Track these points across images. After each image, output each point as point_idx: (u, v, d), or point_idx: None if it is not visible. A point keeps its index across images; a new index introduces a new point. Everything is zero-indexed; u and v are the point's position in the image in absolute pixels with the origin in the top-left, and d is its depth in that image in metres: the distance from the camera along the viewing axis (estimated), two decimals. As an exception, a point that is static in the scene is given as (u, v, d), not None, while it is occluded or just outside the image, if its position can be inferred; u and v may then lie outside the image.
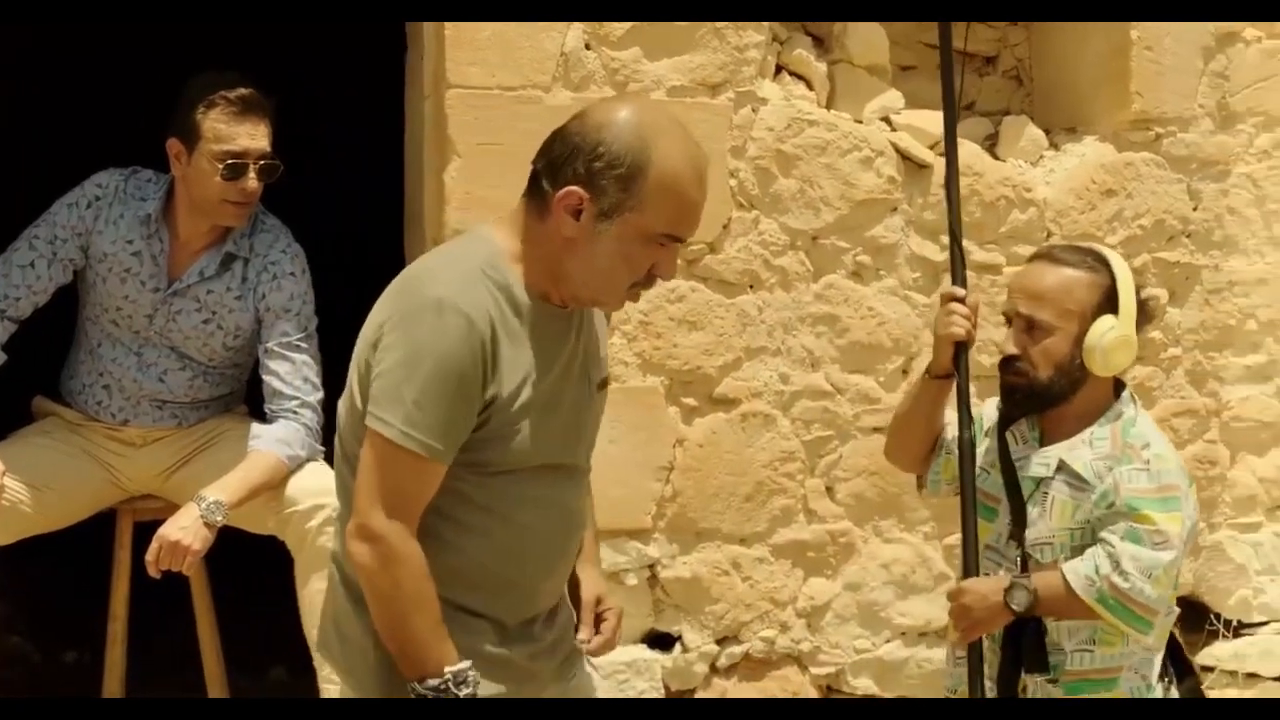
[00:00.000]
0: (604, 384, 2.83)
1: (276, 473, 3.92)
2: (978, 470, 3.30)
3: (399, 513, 2.53)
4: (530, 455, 2.62)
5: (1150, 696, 3.21)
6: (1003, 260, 4.64)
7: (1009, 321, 3.27)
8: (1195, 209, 4.84)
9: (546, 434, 2.64)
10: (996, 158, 4.70)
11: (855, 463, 4.57)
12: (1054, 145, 4.80)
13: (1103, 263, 3.23)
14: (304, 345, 4.03)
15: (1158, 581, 3.07)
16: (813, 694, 4.60)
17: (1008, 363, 3.23)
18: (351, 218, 6.95)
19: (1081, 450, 3.19)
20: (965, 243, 4.53)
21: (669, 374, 4.38)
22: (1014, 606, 3.11)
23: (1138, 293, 3.24)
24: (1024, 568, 3.19)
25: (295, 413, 3.99)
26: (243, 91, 3.89)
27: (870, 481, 4.58)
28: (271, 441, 3.94)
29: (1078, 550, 3.14)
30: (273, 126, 3.94)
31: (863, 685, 4.61)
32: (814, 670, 4.58)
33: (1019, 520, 3.21)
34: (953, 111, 3.48)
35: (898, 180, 4.54)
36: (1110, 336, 3.15)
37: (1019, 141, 4.74)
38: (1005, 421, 3.30)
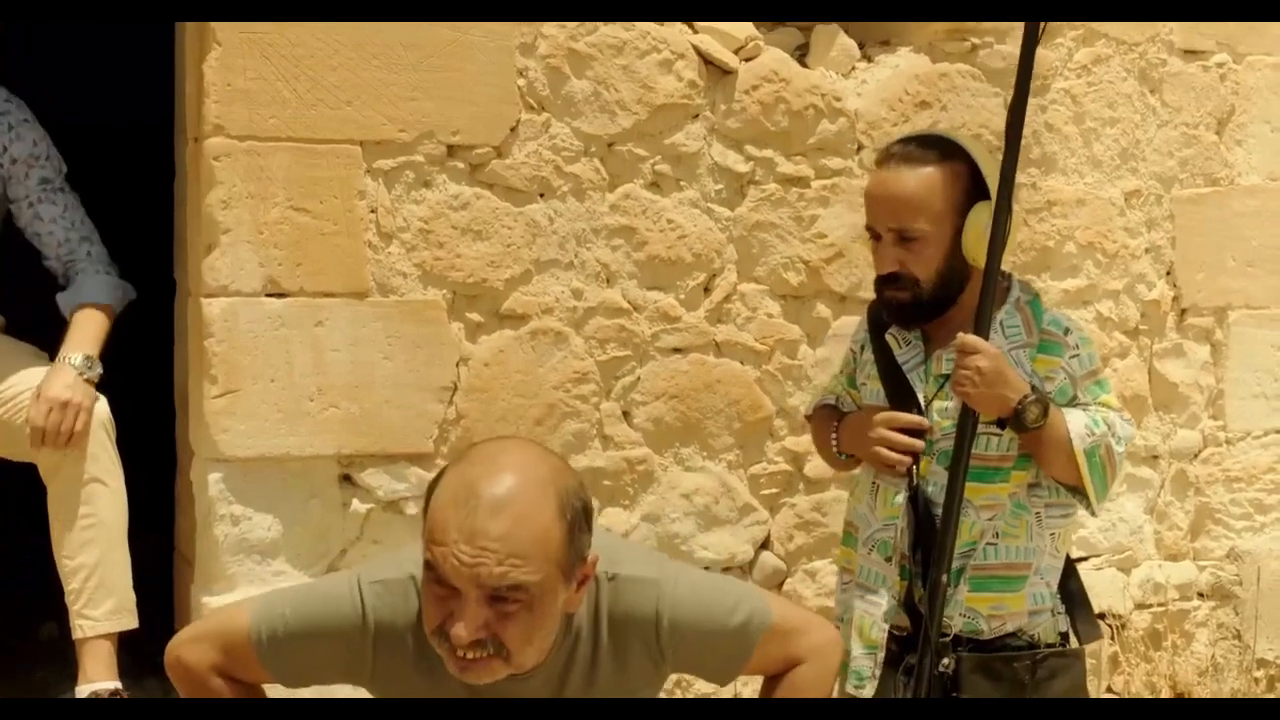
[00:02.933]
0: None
1: (107, 321, 3.87)
2: (862, 384, 3.12)
3: (218, 640, 2.55)
4: None
5: (1050, 608, 3.03)
6: (811, 173, 4.41)
7: (875, 237, 3.03)
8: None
9: None
10: (806, 67, 4.46)
11: (654, 385, 4.30)
12: (867, 58, 4.56)
13: (956, 148, 3.03)
14: (66, 188, 3.90)
15: (1124, 458, 3.05)
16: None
17: (886, 281, 3.01)
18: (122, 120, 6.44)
19: (995, 340, 2.97)
20: (768, 153, 4.37)
21: (451, 287, 4.07)
22: (1025, 416, 2.88)
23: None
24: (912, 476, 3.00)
25: (89, 255, 3.87)
26: None
27: (670, 406, 4.31)
28: (89, 294, 3.86)
29: (983, 440, 2.96)
30: None
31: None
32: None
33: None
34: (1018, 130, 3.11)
35: (699, 85, 4.28)
36: (989, 227, 2.94)
37: (829, 52, 4.49)
38: (880, 328, 3.09)
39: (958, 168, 2.99)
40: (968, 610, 2.98)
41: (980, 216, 2.94)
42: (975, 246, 2.95)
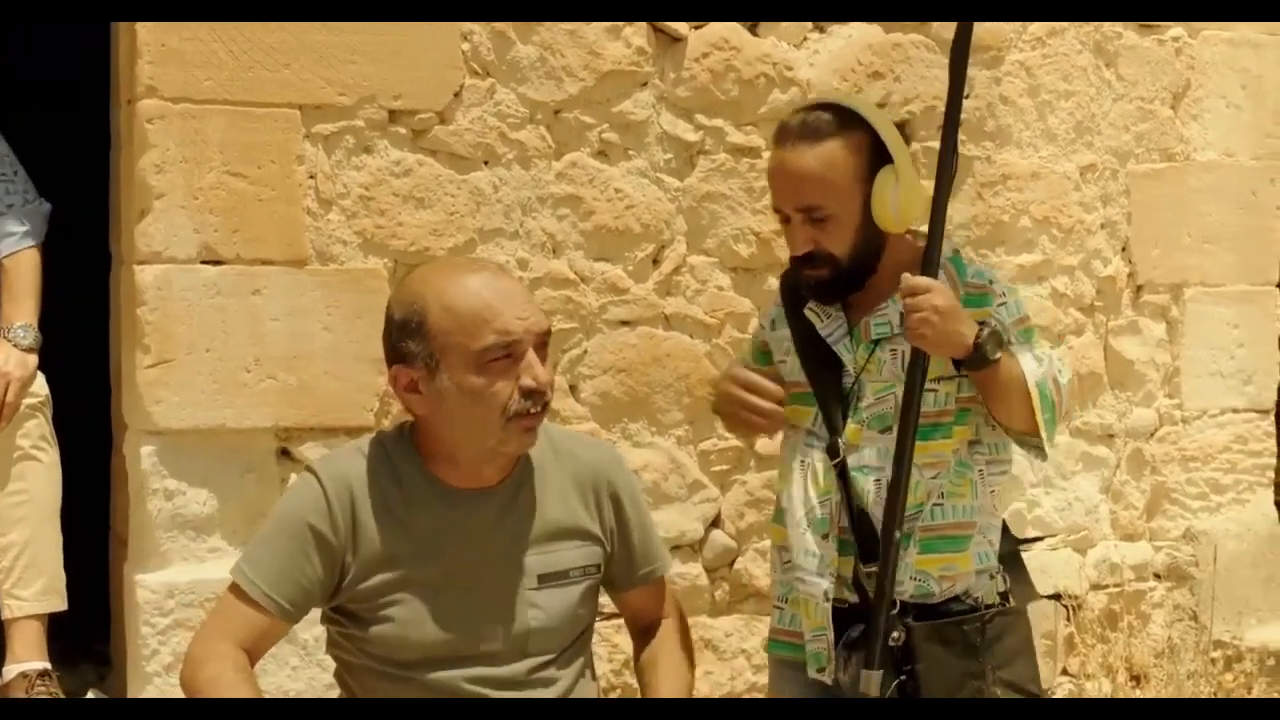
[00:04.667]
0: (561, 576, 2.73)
1: (37, 263, 3.85)
2: (779, 361, 3.01)
3: (214, 633, 2.61)
4: (411, 641, 2.61)
5: (991, 567, 2.95)
6: (761, 143, 4.31)
7: (784, 219, 2.91)
8: (967, 96, 4.51)
9: (429, 620, 2.61)
10: (757, 36, 4.37)
11: (601, 359, 4.21)
12: (820, 28, 4.48)
13: (851, 116, 2.90)
14: None
15: (1068, 394, 2.95)
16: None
17: (803, 261, 2.90)
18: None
19: None
20: (718, 122, 4.30)
21: (393, 255, 3.97)
22: (986, 349, 2.76)
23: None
24: (833, 447, 2.89)
25: (10, 180, 3.82)
26: None
27: (618, 380, 4.22)
28: (20, 239, 3.82)
29: (931, 396, 2.86)
30: None
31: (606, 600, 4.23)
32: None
33: (837, 396, 2.91)
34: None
35: (648, 52, 4.20)
36: (899, 191, 2.84)
37: (781, 22, 4.41)
38: (796, 302, 2.98)
39: (857, 138, 2.87)
40: (918, 573, 2.88)
41: (886, 183, 2.84)
42: (885, 214, 2.84)
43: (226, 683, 2.55)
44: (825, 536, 2.89)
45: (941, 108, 4.43)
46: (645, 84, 4.20)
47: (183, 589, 3.78)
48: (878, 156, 2.86)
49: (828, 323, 2.93)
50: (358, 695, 2.73)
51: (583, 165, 4.16)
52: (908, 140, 3.02)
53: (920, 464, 2.85)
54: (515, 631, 2.66)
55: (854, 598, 2.89)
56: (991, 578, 2.97)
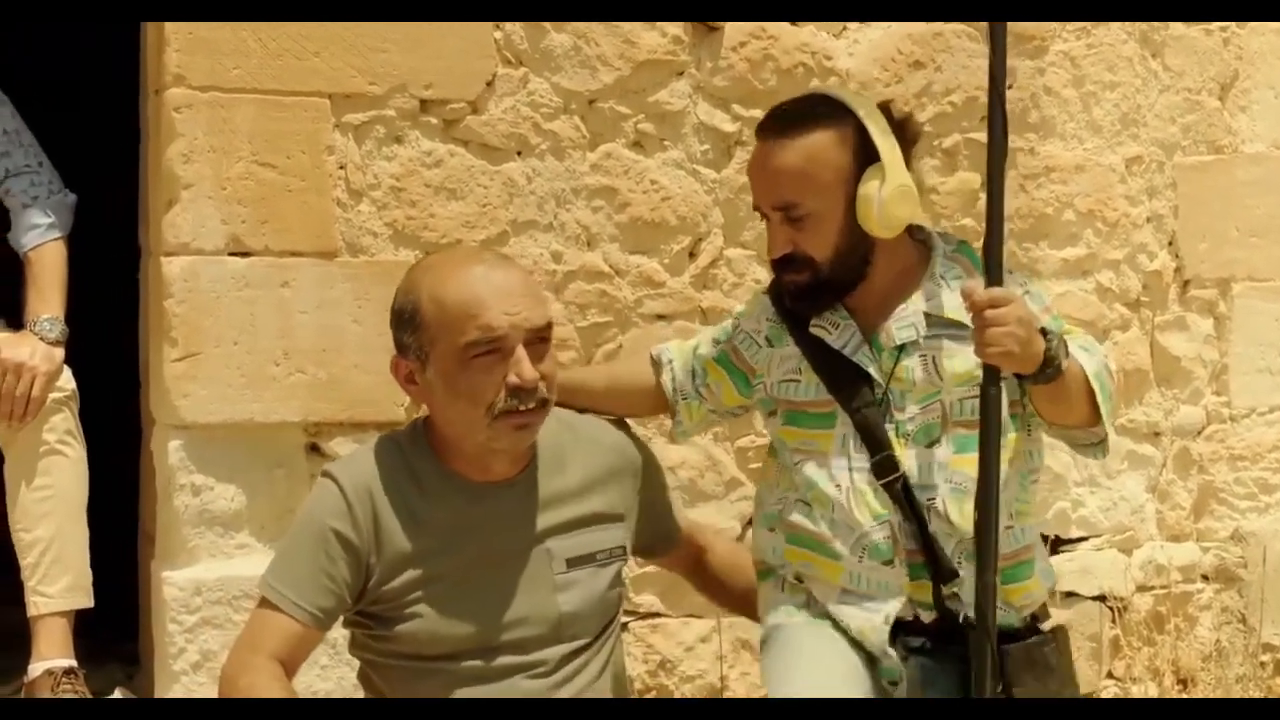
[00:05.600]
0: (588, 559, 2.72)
1: (63, 255, 3.78)
2: (782, 382, 2.79)
3: (247, 647, 2.59)
4: (440, 636, 2.60)
5: (1052, 583, 2.83)
6: (801, 134, 4.23)
7: (764, 217, 2.75)
8: (1009, 87, 4.40)
9: (457, 614, 2.60)
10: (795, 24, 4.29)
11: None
12: (859, 17, 4.41)
13: (839, 109, 2.71)
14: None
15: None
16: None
17: (782, 264, 2.72)
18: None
19: (943, 296, 2.71)
20: (756, 113, 4.15)
21: (424, 247, 3.89)
22: (1059, 358, 2.54)
23: (892, 117, 2.74)
24: (885, 466, 2.69)
25: (27, 170, 3.76)
26: None
27: (654, 375, 4.14)
28: (45, 230, 3.76)
29: (968, 405, 2.65)
30: None
31: (646, 602, 4.16)
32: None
33: (867, 408, 2.70)
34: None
35: (684, 41, 4.11)
36: (885, 193, 2.64)
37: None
38: (797, 321, 2.79)
39: (843, 131, 2.67)
40: (1003, 604, 2.66)
41: (872, 183, 2.64)
42: (869, 216, 2.65)
43: (260, 691, 2.51)
44: (889, 563, 2.70)
45: (984, 98, 4.39)
46: (681, 73, 4.12)
47: (210, 586, 3.72)
48: (866, 154, 2.67)
49: (838, 334, 2.73)
50: (385, 695, 2.68)
51: (618, 156, 4.08)
52: (910, 138, 2.78)
53: (973, 476, 2.63)
54: (546, 618, 2.63)
55: (931, 615, 2.72)
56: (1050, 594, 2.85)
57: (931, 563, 2.68)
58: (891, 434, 2.70)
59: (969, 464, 2.64)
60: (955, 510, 2.68)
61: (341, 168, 3.83)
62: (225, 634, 3.66)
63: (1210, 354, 4.80)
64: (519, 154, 4.00)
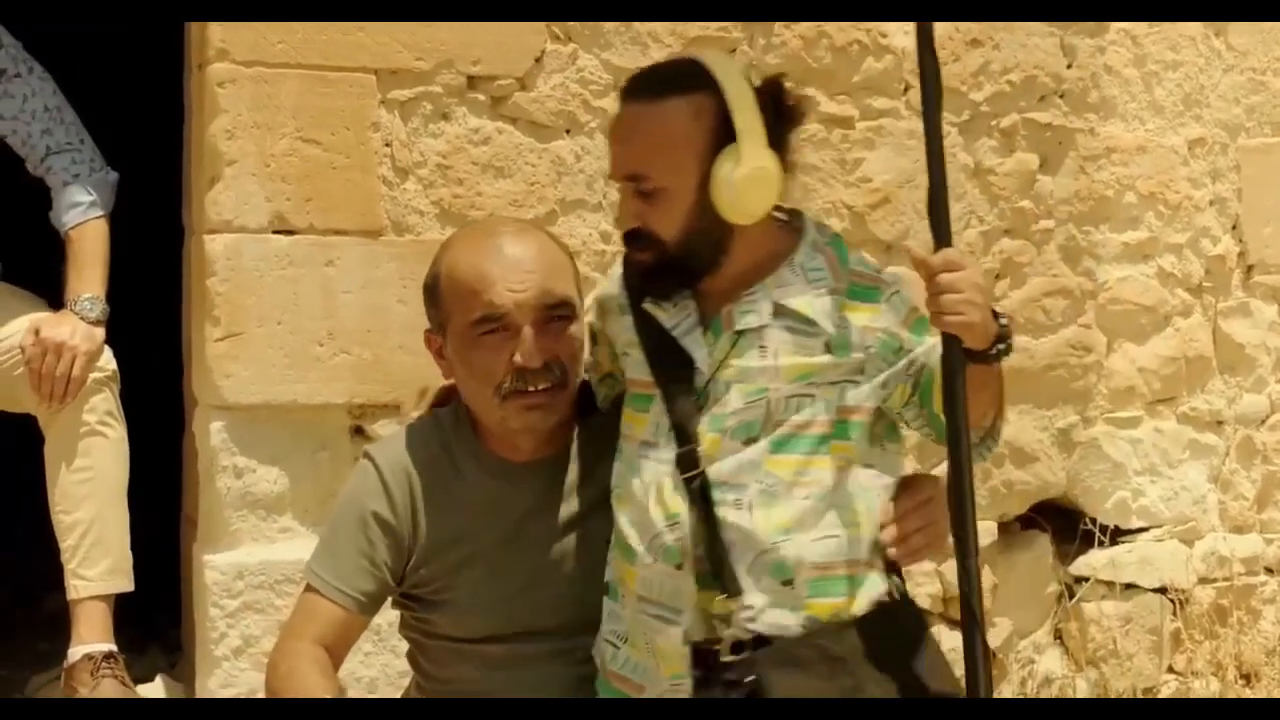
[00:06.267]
0: None
1: (105, 233, 3.73)
2: (621, 354, 2.56)
3: (292, 633, 2.57)
4: (475, 619, 2.55)
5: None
6: (855, 113, 4.16)
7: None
8: (1069, 66, 4.39)
9: (489, 597, 2.54)
10: (850, 2, 4.21)
11: (687, 336, 4.05)
12: (916, -6, 4.31)
13: (705, 78, 2.42)
14: (29, 71, 3.73)
15: None
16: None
17: (630, 238, 2.48)
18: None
19: (796, 287, 2.44)
20: (810, 91, 4.12)
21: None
22: (1009, 329, 2.34)
23: (775, 94, 2.46)
24: (686, 460, 2.42)
25: (69, 147, 3.70)
26: None
27: (704, 358, 4.06)
28: (87, 208, 3.70)
29: (794, 403, 2.41)
30: None
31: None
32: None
33: (689, 399, 2.45)
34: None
35: (737, 17, 4.04)
36: (736, 175, 2.37)
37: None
38: (637, 291, 2.54)
39: (701, 103, 2.40)
40: (799, 614, 2.40)
41: (725, 164, 2.38)
42: (721, 199, 2.39)
43: (300, 676, 2.47)
44: (679, 567, 2.42)
45: (1043, 77, 4.31)
46: (734, 50, 4.03)
47: (252, 570, 3.66)
48: (725, 132, 2.39)
49: (674, 313, 2.48)
50: (430, 675, 2.63)
51: (668, 135, 4.00)
52: (791, 117, 2.50)
53: (788, 480, 2.40)
54: (584, 603, 2.54)
55: (726, 634, 2.41)
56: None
57: (717, 574, 2.40)
58: (706, 427, 2.43)
59: (785, 465, 2.41)
60: (762, 514, 2.40)
61: (387, 145, 3.76)
62: (267, 619, 3.62)
63: (1275, 341, 4.69)
64: (568, 132, 3.93)
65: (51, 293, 3.76)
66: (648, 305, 2.49)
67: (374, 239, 3.76)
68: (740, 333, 2.43)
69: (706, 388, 2.44)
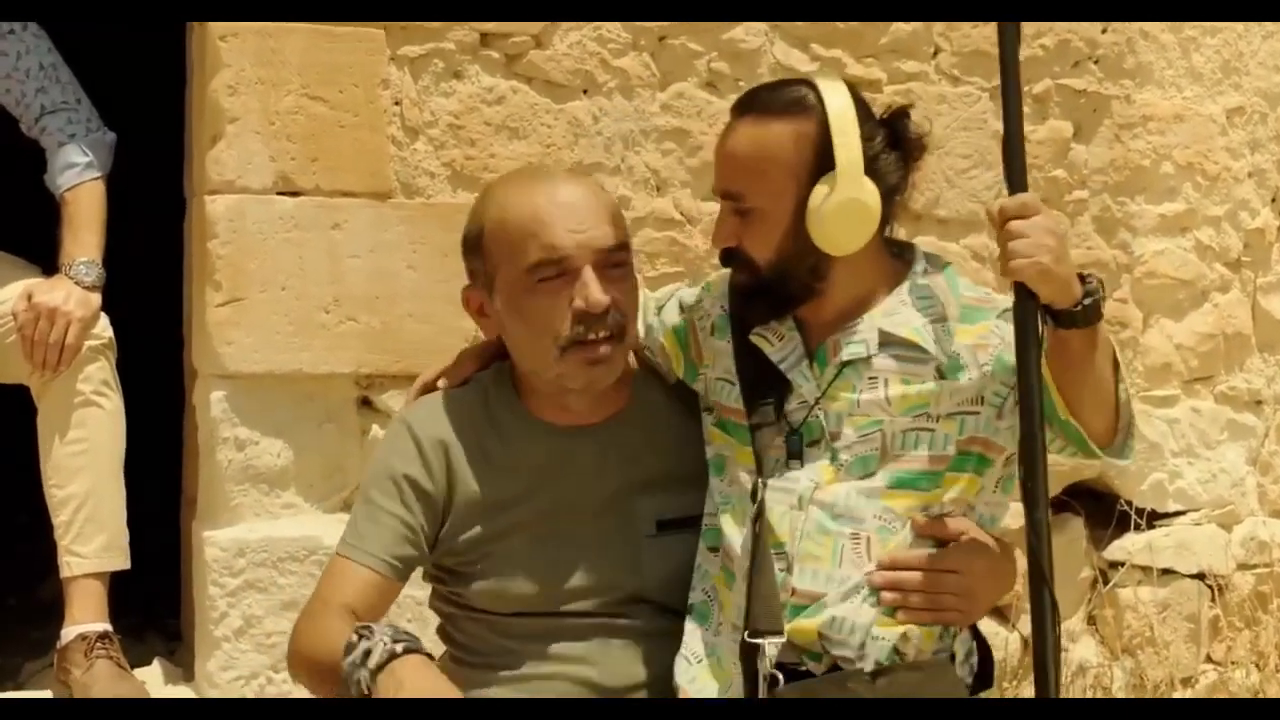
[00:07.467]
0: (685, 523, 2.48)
1: (101, 194, 3.61)
2: (716, 383, 2.51)
3: (319, 602, 2.46)
4: (511, 595, 2.44)
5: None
6: (883, 76, 4.05)
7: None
8: (1104, 31, 4.27)
9: (528, 569, 2.44)
10: (877, -38, 4.08)
11: (708, 306, 3.92)
12: (945, -45, 4.19)
13: (809, 103, 2.40)
14: (21, 28, 3.61)
15: None
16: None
17: (726, 257, 2.48)
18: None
19: (903, 315, 2.41)
20: (836, 53, 4.01)
21: (484, 189, 3.69)
22: (1098, 289, 2.22)
23: (884, 118, 2.45)
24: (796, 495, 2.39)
25: (64, 107, 3.59)
26: None
27: (726, 330, 3.92)
28: (83, 169, 3.58)
29: (912, 437, 2.37)
30: None
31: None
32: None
33: (775, 429, 2.43)
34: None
35: (761, -26, 3.90)
36: (827, 206, 2.34)
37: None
38: (743, 323, 2.50)
39: (804, 128, 2.38)
40: (878, 634, 2.38)
41: (819, 194, 2.35)
42: (814, 229, 2.36)
43: (335, 634, 2.31)
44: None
45: (1076, 41, 4.17)
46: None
47: (254, 547, 3.54)
48: (824, 160, 2.37)
49: (780, 346, 2.45)
50: (466, 646, 2.52)
51: (690, 96, 3.90)
52: (909, 151, 2.47)
53: (905, 516, 2.38)
54: (626, 582, 2.43)
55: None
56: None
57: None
58: (828, 462, 2.40)
59: (903, 500, 2.39)
60: (880, 548, 2.37)
61: (397, 103, 3.67)
62: (269, 598, 3.52)
63: (1317, 318, 4.56)
64: (585, 92, 3.83)
65: (47, 263, 3.63)
66: (755, 338, 2.46)
67: (382, 201, 3.66)
68: (846, 363, 2.41)
69: (809, 420, 2.42)
